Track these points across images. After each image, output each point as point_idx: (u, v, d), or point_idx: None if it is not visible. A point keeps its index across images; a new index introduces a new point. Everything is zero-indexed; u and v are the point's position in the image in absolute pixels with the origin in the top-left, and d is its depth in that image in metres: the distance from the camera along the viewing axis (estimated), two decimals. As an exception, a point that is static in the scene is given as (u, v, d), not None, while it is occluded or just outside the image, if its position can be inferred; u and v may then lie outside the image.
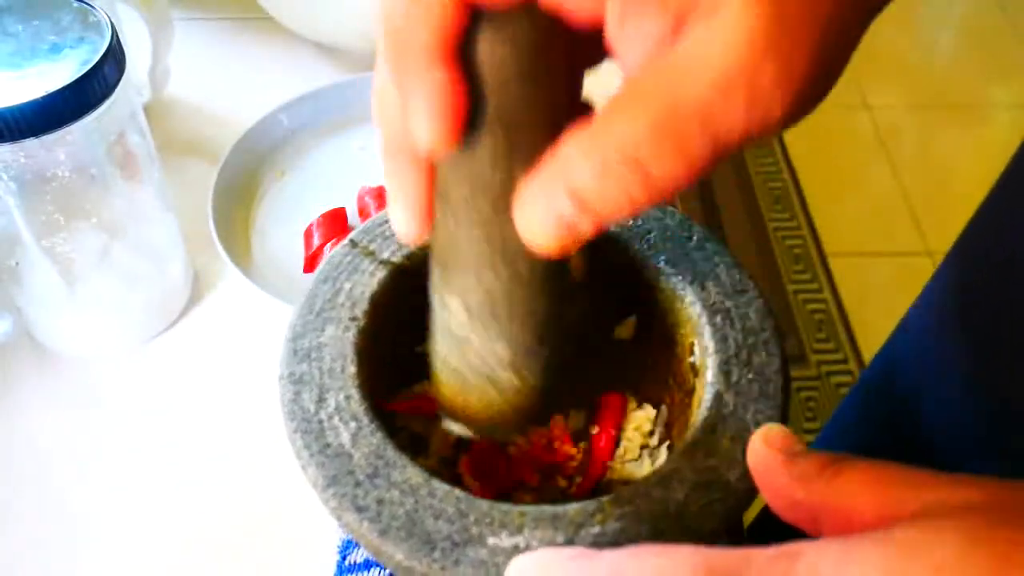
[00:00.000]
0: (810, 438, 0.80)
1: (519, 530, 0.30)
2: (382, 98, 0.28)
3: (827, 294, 1.76)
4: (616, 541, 0.30)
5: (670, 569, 0.23)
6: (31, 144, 0.44)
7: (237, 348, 0.56)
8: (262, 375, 0.54)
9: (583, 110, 0.31)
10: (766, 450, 0.28)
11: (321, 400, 0.34)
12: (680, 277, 0.38)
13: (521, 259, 0.29)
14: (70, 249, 0.51)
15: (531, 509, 0.30)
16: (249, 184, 0.64)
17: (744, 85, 0.23)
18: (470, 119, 0.26)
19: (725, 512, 0.31)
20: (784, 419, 0.34)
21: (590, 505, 0.30)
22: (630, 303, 0.41)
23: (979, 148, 2.00)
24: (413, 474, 0.32)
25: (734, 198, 1.93)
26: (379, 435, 0.33)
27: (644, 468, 0.40)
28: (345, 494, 0.31)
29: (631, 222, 0.40)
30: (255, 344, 0.56)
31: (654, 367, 0.41)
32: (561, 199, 0.25)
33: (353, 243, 0.39)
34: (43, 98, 0.43)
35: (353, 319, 0.37)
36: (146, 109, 0.67)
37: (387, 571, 0.42)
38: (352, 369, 0.35)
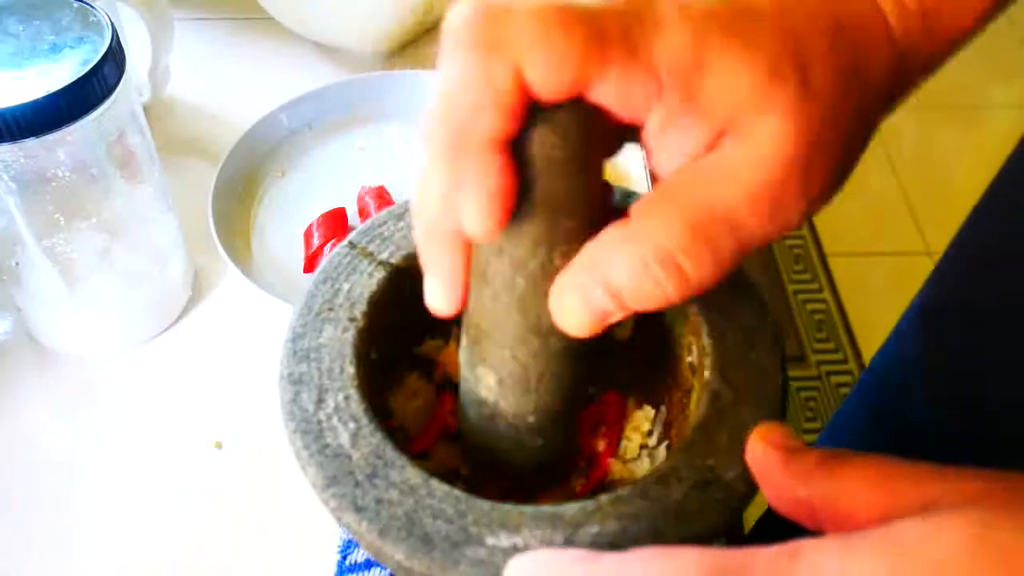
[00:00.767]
0: (810, 438, 0.80)
1: (517, 530, 0.30)
2: (425, 186, 0.30)
3: (827, 294, 1.76)
4: (614, 541, 0.30)
5: (674, 571, 0.23)
6: (31, 144, 0.44)
7: (237, 348, 0.56)
8: (262, 375, 0.54)
9: (607, 192, 0.33)
10: (765, 448, 0.28)
11: (320, 400, 0.34)
12: None
13: (554, 334, 0.31)
14: (70, 249, 0.51)
15: (529, 509, 0.30)
16: (249, 184, 0.65)
17: (770, 199, 0.26)
18: (517, 202, 0.27)
19: (723, 511, 0.31)
20: (782, 418, 0.34)
21: (588, 505, 0.30)
22: None
23: (979, 148, 2.00)
24: (412, 474, 0.32)
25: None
26: (378, 435, 0.33)
27: (643, 468, 0.40)
28: (344, 494, 0.31)
29: None
30: (255, 344, 0.56)
31: (652, 367, 0.41)
32: (597, 292, 0.27)
33: (352, 244, 0.39)
34: (43, 98, 0.43)
35: (352, 320, 0.37)
36: (146, 109, 0.67)
37: (387, 571, 0.42)
38: (351, 370, 0.35)
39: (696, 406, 0.34)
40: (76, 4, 0.48)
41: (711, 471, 0.31)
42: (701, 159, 0.27)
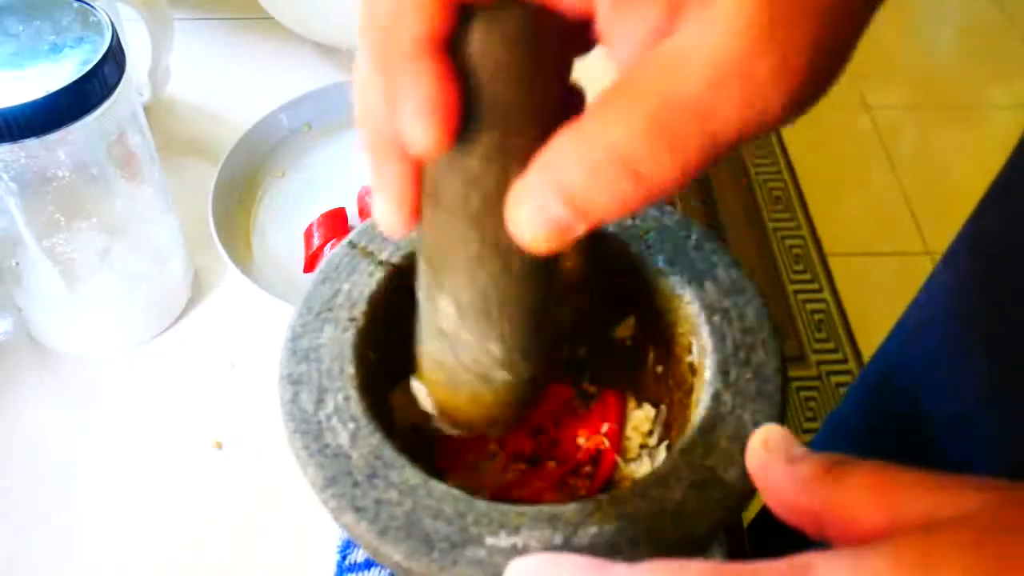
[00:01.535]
0: (810, 438, 0.80)
1: (517, 530, 0.30)
2: (364, 94, 0.28)
3: (827, 294, 1.76)
4: (613, 541, 0.30)
5: None
6: (32, 144, 0.44)
7: (237, 348, 0.56)
8: (262, 375, 0.54)
9: (574, 100, 0.30)
10: (766, 454, 0.28)
11: (320, 401, 0.34)
12: (679, 277, 0.38)
13: (513, 255, 0.28)
14: (70, 249, 0.51)
15: (529, 509, 0.30)
16: (249, 184, 0.65)
17: (739, 79, 0.22)
18: (463, 113, 0.25)
19: (723, 512, 0.31)
20: (782, 419, 0.34)
21: (587, 505, 0.30)
22: (629, 303, 0.41)
23: (979, 148, 2.00)
24: (411, 475, 0.32)
25: (734, 198, 1.93)
26: (378, 436, 0.33)
27: (643, 468, 0.40)
28: (344, 494, 0.31)
29: (629, 222, 0.40)
30: (255, 344, 0.56)
31: (653, 366, 0.41)
32: (552, 199, 0.24)
33: (352, 244, 0.39)
34: (43, 98, 0.43)
35: (352, 320, 0.37)
36: (146, 109, 0.67)
37: (387, 572, 0.42)
38: (351, 370, 0.35)
39: (696, 406, 0.34)
40: (76, 4, 0.48)
41: (711, 471, 0.31)
42: (658, 44, 0.23)
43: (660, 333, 0.40)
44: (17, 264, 0.52)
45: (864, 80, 2.11)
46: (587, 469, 0.40)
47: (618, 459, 0.40)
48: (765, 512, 0.70)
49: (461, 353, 0.32)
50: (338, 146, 0.68)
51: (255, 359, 0.55)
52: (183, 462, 0.50)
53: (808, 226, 1.87)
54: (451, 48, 0.25)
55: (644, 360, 0.41)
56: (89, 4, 0.48)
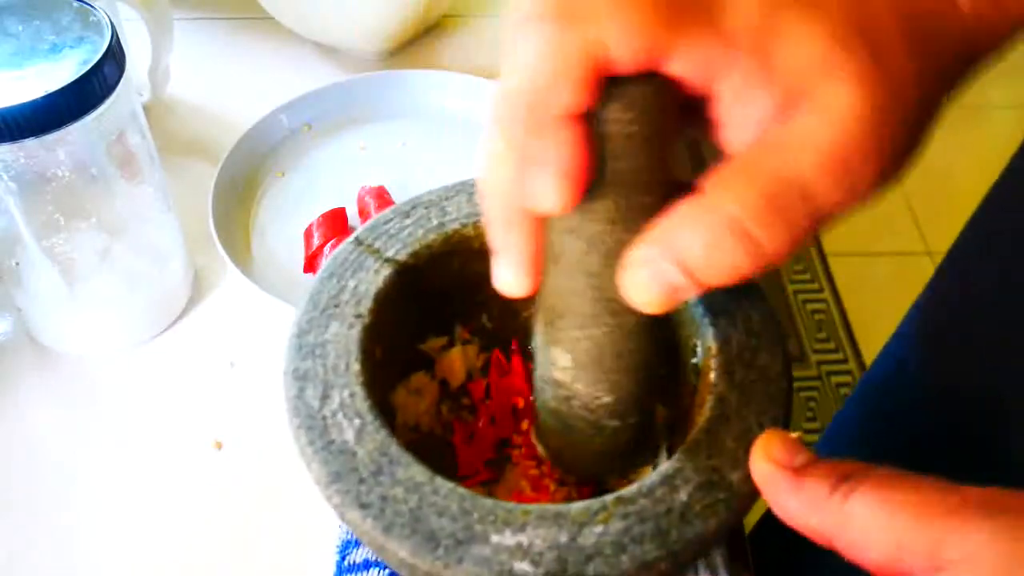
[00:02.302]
0: (810, 438, 0.80)
1: (522, 528, 0.30)
2: (495, 165, 0.30)
3: (827, 294, 1.76)
4: (619, 540, 0.29)
5: None
6: (31, 144, 0.44)
7: (237, 348, 0.56)
8: (262, 375, 0.54)
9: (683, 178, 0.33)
10: (771, 468, 0.29)
11: (325, 397, 0.34)
12: None
13: (627, 312, 0.30)
14: (70, 249, 0.51)
15: (534, 508, 0.30)
16: (249, 184, 0.64)
17: (841, 165, 0.26)
18: (591, 181, 0.27)
19: (728, 512, 0.31)
20: (787, 420, 0.34)
21: (593, 504, 0.30)
22: None
23: (979, 148, 1.99)
24: (417, 471, 0.31)
25: (734, 198, 1.92)
26: (383, 432, 0.33)
27: (648, 468, 0.39)
28: (349, 491, 0.31)
29: None
30: (255, 344, 0.56)
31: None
32: (668, 266, 0.27)
33: (358, 241, 0.39)
34: (43, 98, 0.43)
35: (358, 316, 0.37)
36: (146, 109, 0.67)
37: (387, 572, 0.41)
38: (356, 366, 0.35)
39: (701, 408, 0.34)
40: (76, 4, 0.48)
41: (716, 472, 0.31)
42: (772, 130, 0.26)
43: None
44: (17, 264, 0.52)
45: (863, 80, 2.11)
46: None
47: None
48: (766, 514, 0.70)
49: (574, 404, 0.34)
50: (338, 146, 0.68)
51: (255, 359, 0.55)
52: (183, 462, 0.50)
53: (808, 226, 1.87)
54: (587, 118, 0.27)
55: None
56: (89, 4, 0.48)
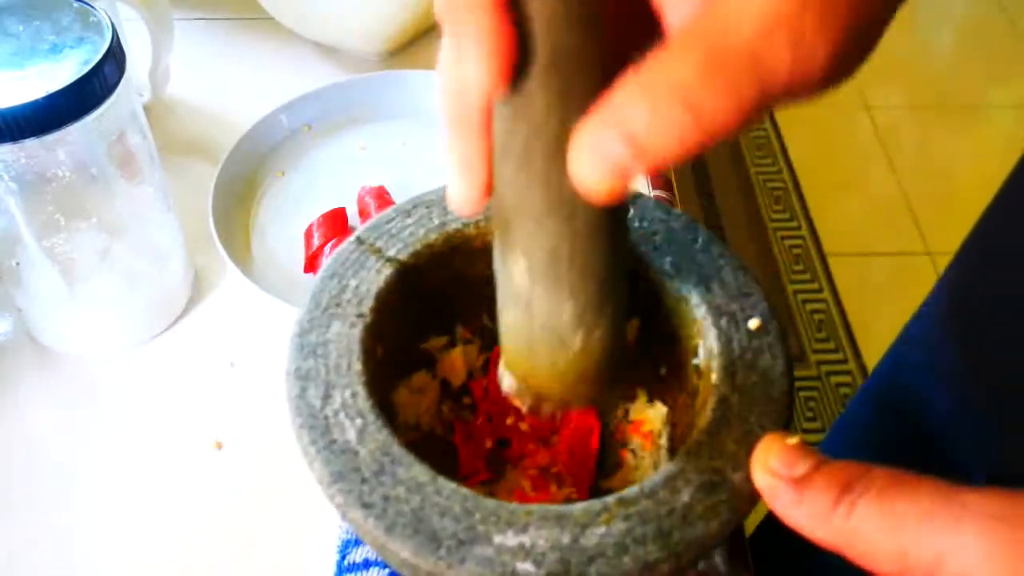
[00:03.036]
0: (810, 438, 0.80)
1: (524, 529, 0.30)
2: (444, 68, 0.29)
3: (827, 294, 1.76)
4: (621, 541, 0.29)
5: None
6: (31, 144, 0.44)
7: (237, 348, 0.55)
8: (262, 375, 0.54)
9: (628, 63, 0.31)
10: (773, 481, 0.29)
11: (327, 396, 0.34)
12: (685, 279, 0.38)
13: (580, 210, 0.29)
14: (70, 249, 0.51)
15: (537, 508, 0.30)
16: (249, 184, 0.64)
17: (788, 29, 0.24)
18: (523, 63, 0.27)
19: (730, 513, 0.31)
20: (788, 422, 0.34)
21: (595, 505, 0.30)
22: (635, 305, 0.41)
23: (979, 149, 2.00)
24: (419, 471, 0.31)
25: (734, 198, 1.93)
26: (385, 432, 0.33)
27: (649, 469, 0.39)
28: (351, 490, 0.31)
29: (636, 224, 0.40)
30: (255, 344, 0.56)
31: (657, 368, 0.41)
32: (614, 142, 0.25)
33: (360, 240, 0.39)
34: (43, 98, 0.43)
35: (360, 316, 0.37)
36: (146, 109, 0.67)
37: (387, 571, 0.41)
38: (358, 366, 0.35)
39: (703, 409, 0.34)
40: (76, 4, 0.48)
41: (718, 473, 0.31)
42: (711, 3, 0.26)
43: (666, 335, 0.39)
44: (17, 264, 0.52)
45: (864, 80, 2.11)
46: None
47: (626, 458, 0.40)
48: (767, 514, 0.70)
49: (535, 315, 0.32)
50: (338, 146, 0.68)
51: (255, 359, 0.55)
52: (183, 462, 0.50)
53: (808, 226, 1.87)
54: (510, 1, 0.26)
55: (648, 362, 0.41)
56: (89, 4, 0.48)
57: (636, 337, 0.42)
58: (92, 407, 0.53)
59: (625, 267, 0.33)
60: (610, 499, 0.31)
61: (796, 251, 1.83)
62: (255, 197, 0.64)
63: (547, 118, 0.28)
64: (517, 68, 0.27)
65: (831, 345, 1.68)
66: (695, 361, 0.37)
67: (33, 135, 0.44)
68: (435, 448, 0.41)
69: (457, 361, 0.42)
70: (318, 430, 0.33)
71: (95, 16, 0.47)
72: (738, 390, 0.34)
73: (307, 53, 0.77)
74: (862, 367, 1.64)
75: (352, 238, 0.39)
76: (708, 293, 0.37)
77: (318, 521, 0.46)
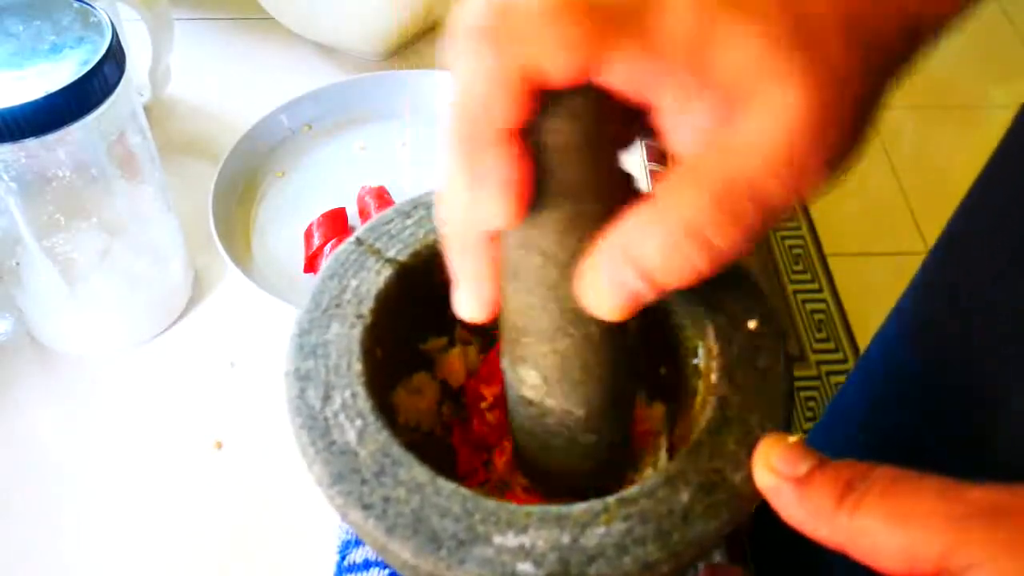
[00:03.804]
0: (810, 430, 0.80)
1: (524, 530, 0.30)
2: (448, 187, 0.30)
3: (827, 294, 1.76)
4: (621, 542, 0.29)
5: None
6: (32, 144, 0.44)
7: (237, 348, 0.55)
8: (262, 375, 0.54)
9: (629, 185, 0.33)
10: (774, 480, 0.29)
11: (327, 397, 0.34)
12: None
13: (592, 323, 0.31)
14: (70, 249, 0.51)
15: (537, 509, 0.30)
16: (249, 184, 0.64)
17: (788, 164, 0.26)
18: (537, 192, 0.28)
19: (730, 514, 0.31)
20: (788, 422, 0.34)
21: (595, 505, 0.30)
22: None
23: (979, 149, 1.99)
24: (419, 472, 0.31)
25: (733, 198, 1.92)
26: (385, 433, 0.33)
27: (648, 469, 0.39)
28: (351, 491, 0.31)
29: None
30: (255, 344, 0.56)
31: (656, 369, 0.41)
32: (625, 270, 0.27)
33: (359, 241, 0.39)
34: (43, 98, 0.43)
35: (359, 316, 0.37)
36: (146, 109, 0.67)
37: (387, 571, 0.41)
38: (358, 367, 0.35)
39: (702, 409, 0.34)
40: (76, 4, 0.48)
41: (718, 473, 0.31)
42: (719, 134, 0.27)
43: (665, 336, 0.39)
44: (17, 264, 0.52)
45: (863, 80, 2.10)
46: None
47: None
48: (766, 511, 0.70)
49: (548, 420, 0.34)
50: (338, 146, 0.68)
51: (255, 359, 0.55)
52: (183, 462, 0.50)
53: (808, 226, 1.87)
54: (525, 131, 0.27)
55: (649, 362, 0.41)
56: (89, 4, 0.48)
57: (636, 336, 0.42)
58: (92, 407, 0.53)
59: (632, 367, 0.35)
60: (610, 499, 0.31)
61: (796, 251, 1.83)
62: (255, 197, 0.64)
63: (560, 244, 0.29)
64: (532, 201, 0.28)
65: (831, 345, 1.68)
66: (695, 361, 0.37)
67: (33, 135, 0.44)
68: (435, 449, 0.41)
69: (456, 362, 0.42)
70: (318, 431, 0.33)
71: (95, 16, 0.47)
72: (738, 390, 0.34)
73: (307, 53, 0.77)
74: (858, 359, 1.64)
75: (352, 239, 0.39)
76: (707, 293, 0.37)
77: (318, 521, 0.46)
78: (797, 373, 1.61)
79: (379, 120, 0.70)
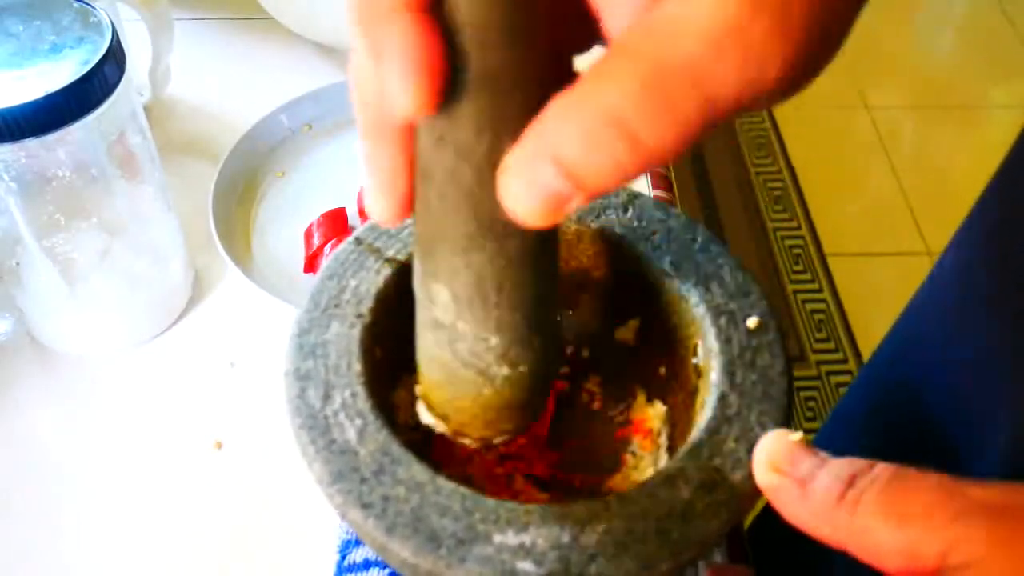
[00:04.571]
0: (810, 438, 0.80)
1: (525, 528, 0.30)
2: (359, 76, 0.27)
3: (827, 294, 1.76)
4: (621, 540, 0.29)
5: None
6: (32, 144, 0.44)
7: (237, 348, 0.55)
8: (262, 375, 0.54)
9: (565, 69, 0.29)
10: (776, 479, 0.29)
11: (327, 396, 0.34)
12: (685, 279, 0.38)
13: (509, 236, 0.27)
14: (70, 249, 0.51)
15: (537, 508, 0.30)
16: (249, 184, 0.64)
17: (736, 40, 0.22)
18: (451, 81, 0.24)
19: (730, 512, 0.31)
20: (788, 421, 0.34)
21: (596, 504, 0.30)
22: (634, 304, 0.41)
23: (979, 148, 2.00)
24: (419, 471, 0.31)
25: (734, 198, 1.93)
26: (384, 432, 0.33)
27: (648, 468, 0.39)
28: (351, 490, 0.31)
29: (635, 223, 0.40)
30: (255, 344, 0.56)
31: (656, 368, 0.41)
32: (546, 168, 0.23)
33: (359, 240, 0.39)
34: (43, 98, 0.43)
35: (359, 316, 0.37)
36: (146, 109, 0.67)
37: (387, 571, 0.41)
38: (358, 366, 0.35)
39: (701, 408, 0.34)
40: (76, 4, 0.48)
41: (718, 472, 0.31)
42: (652, 12, 0.23)
43: (665, 335, 0.39)
44: (17, 264, 0.52)
45: (864, 80, 2.11)
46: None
47: (626, 457, 0.40)
48: (765, 509, 0.70)
49: (459, 346, 0.30)
50: (338, 146, 0.68)
51: (255, 359, 0.55)
52: (183, 462, 0.50)
53: (808, 226, 1.87)
54: (435, 7, 0.23)
55: (647, 362, 0.41)
56: (89, 4, 0.48)
57: (636, 337, 0.42)
58: (92, 407, 0.53)
59: (555, 293, 0.31)
60: (611, 497, 0.31)
61: (796, 251, 1.83)
62: (255, 197, 0.64)
63: (477, 141, 0.25)
64: (446, 88, 0.24)
65: (831, 345, 1.68)
66: (694, 360, 0.37)
67: (33, 135, 0.44)
68: (434, 448, 0.41)
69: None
70: (317, 430, 0.33)
71: (95, 16, 0.47)
72: (737, 389, 0.34)
73: (307, 53, 0.77)
74: (862, 367, 1.64)
75: (351, 238, 0.39)
76: (707, 292, 0.37)
77: (318, 521, 0.46)
78: (797, 373, 1.61)
79: (379, 120, 0.69)
